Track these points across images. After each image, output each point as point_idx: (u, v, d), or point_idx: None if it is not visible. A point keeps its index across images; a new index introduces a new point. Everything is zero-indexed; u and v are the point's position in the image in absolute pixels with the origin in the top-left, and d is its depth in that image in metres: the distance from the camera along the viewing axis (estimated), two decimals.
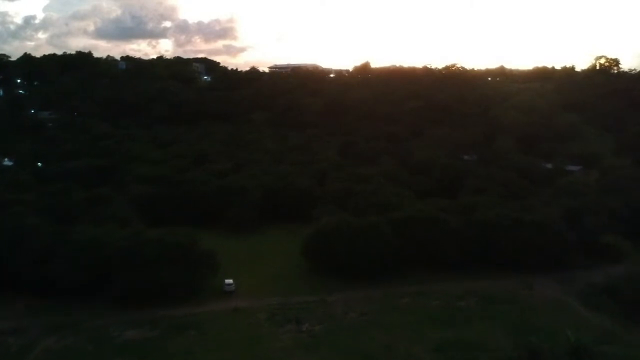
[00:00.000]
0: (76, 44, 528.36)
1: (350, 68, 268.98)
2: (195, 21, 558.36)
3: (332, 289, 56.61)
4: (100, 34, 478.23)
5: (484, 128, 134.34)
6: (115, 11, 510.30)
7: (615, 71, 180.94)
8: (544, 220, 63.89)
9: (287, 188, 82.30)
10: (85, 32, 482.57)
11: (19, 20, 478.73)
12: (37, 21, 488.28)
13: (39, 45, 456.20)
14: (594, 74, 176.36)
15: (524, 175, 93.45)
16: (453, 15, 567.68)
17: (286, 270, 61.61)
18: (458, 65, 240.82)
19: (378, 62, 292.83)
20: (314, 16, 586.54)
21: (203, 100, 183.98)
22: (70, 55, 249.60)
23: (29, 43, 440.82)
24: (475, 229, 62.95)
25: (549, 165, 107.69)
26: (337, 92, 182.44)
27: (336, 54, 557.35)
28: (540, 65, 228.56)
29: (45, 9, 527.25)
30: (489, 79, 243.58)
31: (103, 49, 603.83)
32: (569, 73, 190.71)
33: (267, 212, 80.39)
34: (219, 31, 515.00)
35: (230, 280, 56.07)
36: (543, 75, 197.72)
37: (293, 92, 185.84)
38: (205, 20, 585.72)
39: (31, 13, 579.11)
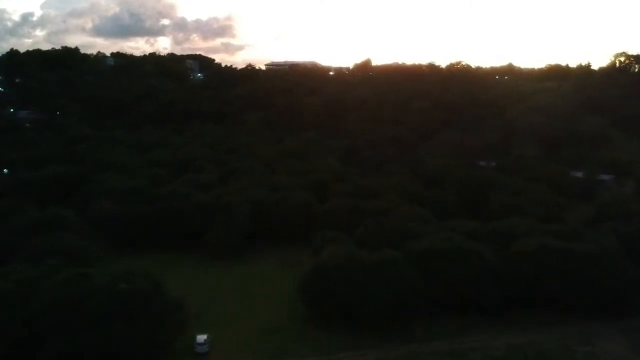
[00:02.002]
0: (73, 41, 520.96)
1: (350, 66, 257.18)
2: (194, 19, 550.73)
3: (337, 346, 43.79)
4: (98, 31, 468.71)
5: (500, 131, 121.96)
6: (113, 8, 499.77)
7: (637, 69, 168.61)
8: (600, 252, 51.37)
9: (281, 204, 69.48)
10: (82, 30, 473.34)
11: (16, 17, 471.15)
12: (34, 18, 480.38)
13: (37, 42, 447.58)
14: (614, 72, 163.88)
15: (554, 188, 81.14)
16: (455, 11, 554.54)
17: (278, 318, 48.69)
18: (463, 63, 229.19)
19: (378, 59, 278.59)
20: (313, 14, 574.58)
21: (194, 99, 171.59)
22: (56, 51, 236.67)
23: (26, 40, 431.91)
24: (515, 264, 50.35)
25: (579, 175, 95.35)
26: (337, 91, 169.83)
27: (335, 51, 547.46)
28: (550, 63, 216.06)
29: (42, 6, 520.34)
30: (496, 77, 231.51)
31: (101, 46, 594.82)
32: (586, 71, 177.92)
33: (257, 233, 67.69)
34: (217, 29, 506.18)
35: (204, 337, 43.19)
36: (558, 74, 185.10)
37: (290, 90, 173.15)
38: (204, 18, 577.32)
39: (29, 10, 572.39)
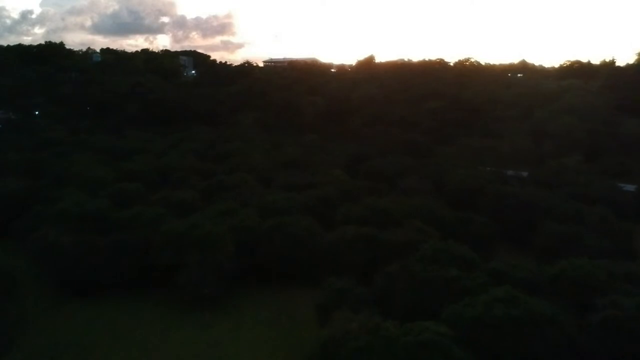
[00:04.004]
0: (73, 39, 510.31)
1: (352, 63, 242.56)
2: (193, 17, 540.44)
3: None
4: (97, 29, 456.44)
5: (528, 135, 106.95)
6: (112, 6, 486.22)
7: None
8: None
9: (276, 233, 54.38)
10: (82, 27, 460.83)
11: (15, 15, 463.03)
12: (34, 16, 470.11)
13: (36, 40, 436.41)
14: None
15: (608, 206, 66.21)
16: (456, 6, 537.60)
17: None
18: (472, 60, 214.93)
19: (379, 56, 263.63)
20: (313, 12, 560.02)
21: (184, 98, 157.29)
22: (39, 45, 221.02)
23: (25, 38, 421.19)
24: (606, 336, 35.36)
25: (630, 188, 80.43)
26: (340, 90, 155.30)
27: (336, 48, 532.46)
28: (569, 59, 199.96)
29: (42, 4, 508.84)
30: (508, 75, 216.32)
31: (100, 44, 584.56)
32: (614, 69, 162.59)
33: (246, 271, 52.69)
34: (217, 27, 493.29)
35: None
36: (580, 72, 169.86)
37: (289, 89, 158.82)
38: (203, 16, 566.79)
39: (28, 8, 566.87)
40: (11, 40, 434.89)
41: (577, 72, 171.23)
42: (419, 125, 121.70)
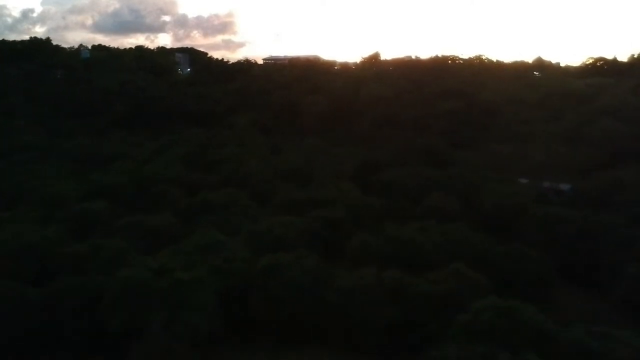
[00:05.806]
0: (74, 37, 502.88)
1: (357, 60, 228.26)
2: (195, 15, 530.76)
3: None
4: (99, 28, 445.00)
5: (562, 141, 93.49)
6: (113, 5, 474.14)
7: None
8: None
9: (270, 280, 41.19)
10: (83, 26, 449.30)
11: (16, 13, 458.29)
12: (34, 15, 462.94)
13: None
14: None
15: None
16: (465, 1, 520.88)
17: None
18: (484, 57, 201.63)
19: (385, 53, 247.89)
20: (316, 8, 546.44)
21: (177, 98, 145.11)
22: (22, 42, 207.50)
23: (26, 37, 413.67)
24: None
25: None
26: (344, 88, 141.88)
27: (339, 46, 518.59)
28: (584, 56, 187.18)
29: (43, 3, 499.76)
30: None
31: (100, 42, 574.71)
32: None
33: (232, 330, 39.61)
34: (218, 26, 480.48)
35: None
36: (607, 69, 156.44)
37: (289, 87, 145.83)
38: (205, 14, 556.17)
39: (29, 6, 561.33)
40: (12, 39, 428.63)
41: (603, 69, 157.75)
42: (433, 128, 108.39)
